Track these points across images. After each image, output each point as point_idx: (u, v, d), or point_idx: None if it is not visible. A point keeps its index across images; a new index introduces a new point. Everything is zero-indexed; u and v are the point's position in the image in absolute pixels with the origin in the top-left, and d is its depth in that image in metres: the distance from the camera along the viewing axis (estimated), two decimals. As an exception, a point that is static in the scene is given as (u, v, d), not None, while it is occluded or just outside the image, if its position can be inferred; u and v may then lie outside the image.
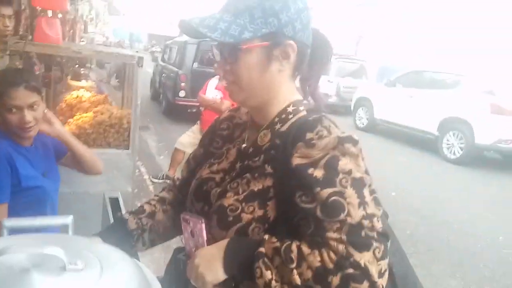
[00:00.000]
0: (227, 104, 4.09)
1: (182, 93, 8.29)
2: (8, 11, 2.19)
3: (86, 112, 2.42)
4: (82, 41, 5.02)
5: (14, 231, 0.79)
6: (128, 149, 2.26)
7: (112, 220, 1.27)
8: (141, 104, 2.29)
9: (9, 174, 1.37)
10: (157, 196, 1.14)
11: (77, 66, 3.49)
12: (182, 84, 8.27)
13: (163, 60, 10.40)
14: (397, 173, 6.40)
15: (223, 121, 1.08)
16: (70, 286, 0.57)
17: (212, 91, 4.36)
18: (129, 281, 0.64)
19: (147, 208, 1.08)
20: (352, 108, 10.57)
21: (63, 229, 0.86)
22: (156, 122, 8.24)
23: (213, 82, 4.45)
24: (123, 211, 1.35)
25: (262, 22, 0.83)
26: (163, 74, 9.60)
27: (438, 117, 7.77)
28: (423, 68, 9.90)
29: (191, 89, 8.19)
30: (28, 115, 1.40)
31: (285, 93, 0.92)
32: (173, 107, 8.73)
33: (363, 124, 10.07)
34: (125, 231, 1.02)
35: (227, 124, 1.06)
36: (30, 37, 2.13)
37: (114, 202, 1.35)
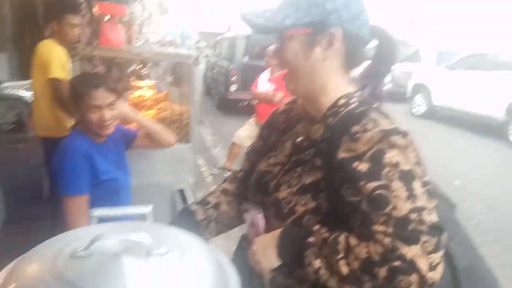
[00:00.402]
0: (279, 96, 4.12)
1: (233, 87, 8.43)
2: (76, 20, 2.35)
3: (149, 110, 2.58)
4: (138, 41, 5.28)
5: (100, 220, 0.88)
6: (189, 143, 2.37)
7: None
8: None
9: (88, 169, 1.51)
10: (220, 187, 1.19)
11: (139, 66, 3.69)
12: (233, 78, 8.41)
13: (214, 55, 10.62)
14: (459, 160, 6.09)
15: (281, 114, 1.11)
16: (155, 269, 0.63)
17: (264, 84, 4.40)
18: (208, 264, 0.69)
19: (212, 199, 1.14)
20: (408, 94, 10.15)
21: (139, 218, 0.94)
22: (210, 116, 8.45)
23: (265, 75, 4.49)
24: (190, 202, 1.43)
25: (305, 11, 0.86)
26: (215, 69, 9.80)
27: (505, 100, 7.24)
28: (485, 50, 9.25)
29: (242, 82, 8.31)
30: (107, 114, 1.53)
31: (336, 85, 0.93)
32: (225, 101, 8.91)
33: (420, 111, 9.64)
34: (193, 221, 1.07)
35: (284, 117, 1.09)
36: (96, 42, 2.28)
37: (181, 193, 1.44)
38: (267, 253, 0.87)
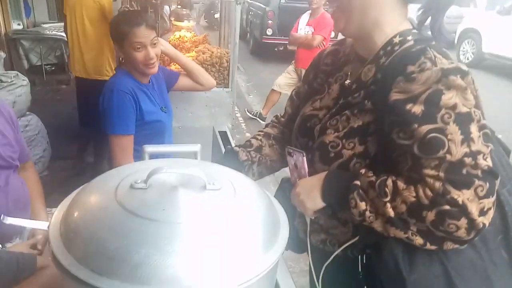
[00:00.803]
0: (319, 39, 3.97)
1: (269, 31, 8.18)
2: None
3: (188, 52, 2.56)
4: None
5: (152, 156, 0.91)
6: (228, 87, 2.37)
7: (223, 151, 1.37)
8: (229, 43, 2.35)
9: (134, 109, 1.54)
10: (262, 131, 1.19)
11: (179, 7, 3.61)
12: (270, 21, 8.13)
13: (250, -3, 10.25)
14: (506, 113, 5.79)
15: (328, 55, 1.06)
16: (211, 202, 0.65)
17: (304, 28, 4.23)
18: (259, 201, 0.71)
19: (254, 142, 1.14)
20: (455, 41, 9.53)
21: (187, 156, 0.96)
22: (244, 61, 8.32)
23: (304, 18, 4.29)
24: (232, 144, 1.45)
25: None
26: (250, 12, 9.49)
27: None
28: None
29: (278, 26, 8.04)
30: (151, 52, 1.53)
31: (391, 21, 0.87)
32: (260, 46, 8.69)
33: (468, 59, 9.06)
34: (236, 162, 1.09)
35: (331, 58, 1.05)
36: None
37: (223, 135, 1.45)
38: (312, 195, 0.88)
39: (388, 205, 0.78)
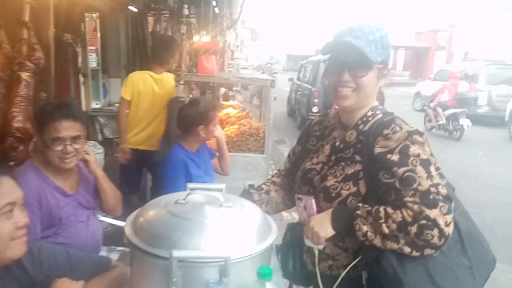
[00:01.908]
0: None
1: (315, 109, 8.75)
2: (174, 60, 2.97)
3: (232, 125, 3.06)
4: (230, 66, 5.91)
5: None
6: (263, 153, 2.78)
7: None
8: (278, 120, 2.81)
9: (184, 175, 1.97)
10: (269, 180, 1.57)
11: (226, 89, 4.25)
12: (315, 100, 8.75)
13: (298, 79, 11.09)
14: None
15: (315, 124, 1.46)
16: (225, 214, 1.02)
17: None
18: (257, 215, 1.06)
19: (264, 187, 1.52)
20: (506, 117, 9.50)
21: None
22: (292, 136, 8.82)
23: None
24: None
25: (381, 51, 1.20)
26: (298, 92, 10.25)
27: None
28: None
29: (323, 104, 8.60)
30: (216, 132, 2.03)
31: (371, 101, 1.27)
32: (307, 122, 9.24)
33: (519, 135, 8.95)
34: (251, 200, 1.40)
35: (318, 126, 1.44)
36: (194, 70, 2.84)
37: (251, 186, 1.81)
38: (324, 225, 1.18)
39: (384, 225, 1.09)
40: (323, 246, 1.21)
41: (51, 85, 3.33)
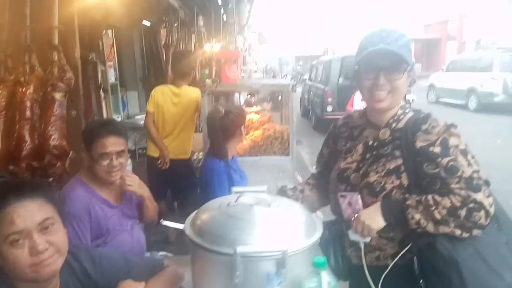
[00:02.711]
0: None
1: (329, 108, 8.82)
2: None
3: (256, 130, 3.16)
4: (243, 72, 6.03)
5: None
6: (288, 155, 2.88)
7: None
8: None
9: (227, 181, 2.12)
10: (303, 182, 1.68)
11: (249, 96, 4.37)
12: (329, 99, 8.81)
13: (310, 79, 11.17)
14: None
15: (341, 126, 1.55)
16: (273, 213, 1.11)
17: (359, 103, 4.73)
18: (303, 213, 1.15)
19: (298, 187, 1.63)
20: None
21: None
22: (308, 136, 8.91)
23: (359, 94, 4.79)
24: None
25: (409, 54, 1.31)
26: (311, 92, 10.32)
27: None
28: None
29: (337, 103, 8.66)
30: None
31: (401, 101, 1.37)
32: (322, 122, 9.30)
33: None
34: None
35: (344, 128, 1.53)
36: (218, 80, 2.96)
37: (284, 187, 1.91)
38: (375, 218, 1.27)
39: (435, 212, 1.19)
40: (369, 239, 1.30)
41: (80, 103, 3.50)
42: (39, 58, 2.82)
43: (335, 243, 1.46)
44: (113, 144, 1.79)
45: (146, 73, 7.71)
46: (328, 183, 1.51)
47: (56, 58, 2.83)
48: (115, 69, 6.82)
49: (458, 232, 1.19)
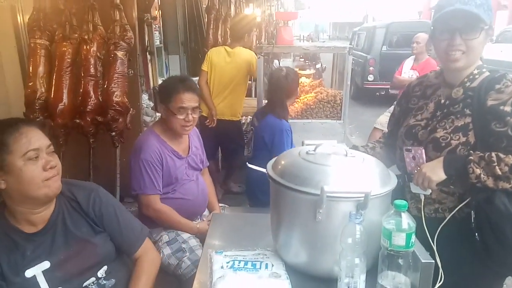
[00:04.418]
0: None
1: (370, 77, 8.65)
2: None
3: (307, 93, 3.22)
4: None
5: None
6: (340, 119, 2.93)
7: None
8: (329, 90, 2.92)
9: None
10: (376, 140, 1.75)
11: (302, 59, 4.38)
12: (371, 68, 8.63)
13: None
14: None
15: (415, 86, 1.60)
16: (352, 162, 1.20)
17: (408, 71, 4.62)
18: (378, 165, 1.23)
19: (370, 145, 1.70)
20: None
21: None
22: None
23: (409, 63, 4.67)
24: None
25: (488, 13, 1.32)
26: (352, 61, 10.11)
27: None
28: None
29: (379, 72, 8.48)
30: None
31: (477, 60, 1.39)
32: (361, 91, 9.17)
33: None
34: None
35: (418, 87, 1.58)
36: (274, 42, 3.01)
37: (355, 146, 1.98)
38: (436, 170, 1.33)
39: (497, 167, 1.24)
40: (430, 191, 1.37)
41: (137, 63, 3.64)
42: (101, 17, 2.96)
43: (396, 195, 1.53)
44: (190, 99, 1.93)
45: (187, 37, 7.77)
46: (396, 141, 1.58)
47: (118, 17, 2.95)
48: (159, 33, 6.93)
49: None
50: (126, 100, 2.95)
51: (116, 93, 2.90)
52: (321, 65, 8.25)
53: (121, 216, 1.45)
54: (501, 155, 1.24)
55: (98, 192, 1.43)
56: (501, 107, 1.28)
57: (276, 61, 5.68)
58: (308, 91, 3.27)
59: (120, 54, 2.95)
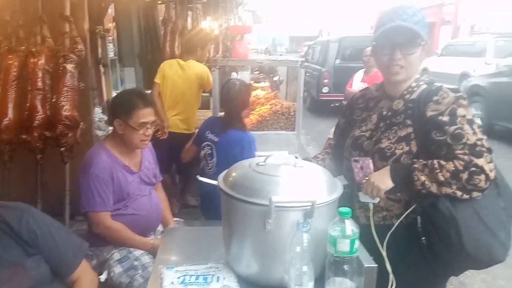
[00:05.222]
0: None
1: (325, 89, 8.92)
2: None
3: (263, 105, 3.27)
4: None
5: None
6: (294, 130, 3.00)
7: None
8: (286, 102, 2.99)
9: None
10: (323, 151, 1.80)
11: (256, 72, 4.44)
12: (325, 80, 8.91)
13: (306, 60, 11.21)
14: None
15: (358, 98, 1.68)
16: (298, 172, 1.23)
17: (358, 84, 4.82)
18: (325, 173, 1.27)
19: (320, 156, 1.75)
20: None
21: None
22: (302, 117, 8.96)
23: (359, 75, 4.89)
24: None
25: (424, 30, 1.41)
26: (307, 73, 10.36)
27: None
28: None
29: (333, 84, 8.76)
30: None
31: (416, 74, 1.49)
32: (317, 103, 9.43)
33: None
34: None
35: (361, 99, 1.66)
36: (229, 55, 3.04)
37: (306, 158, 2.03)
38: (384, 179, 1.39)
39: (439, 174, 1.31)
40: (378, 200, 1.43)
41: (89, 75, 3.55)
42: (51, 29, 2.87)
43: (345, 205, 1.58)
44: (150, 114, 1.93)
45: (143, 49, 7.67)
46: (343, 152, 1.63)
47: (68, 29, 2.87)
48: (114, 45, 6.80)
49: (459, 193, 1.31)
50: (76, 114, 2.86)
51: (65, 107, 2.80)
52: (279, 77, 8.41)
53: (57, 235, 1.37)
54: (442, 162, 1.32)
55: (30, 212, 1.34)
56: (440, 117, 1.36)
57: (234, 74, 5.74)
58: (263, 103, 3.34)
59: (69, 67, 2.86)
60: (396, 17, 1.39)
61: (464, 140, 1.32)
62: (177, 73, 3.47)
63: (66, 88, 2.82)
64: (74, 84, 2.89)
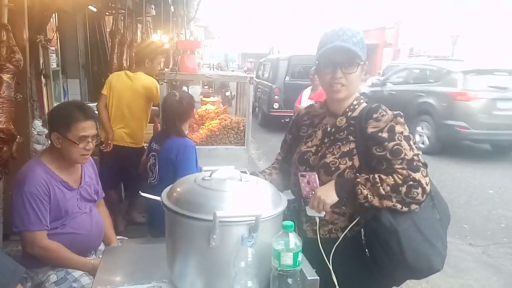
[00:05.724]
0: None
1: (276, 105, 9.09)
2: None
3: (212, 120, 3.25)
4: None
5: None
6: (244, 145, 3.00)
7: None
8: (239, 117, 3.02)
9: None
10: (271, 166, 1.81)
11: (206, 87, 4.42)
12: (276, 97, 9.08)
13: (257, 76, 11.38)
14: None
15: (304, 115, 1.72)
16: (243, 187, 1.23)
17: (306, 101, 4.97)
18: (269, 188, 1.28)
19: (267, 171, 1.77)
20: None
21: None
22: (254, 132, 8.97)
23: (306, 93, 5.06)
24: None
25: (363, 50, 1.48)
26: (258, 90, 10.53)
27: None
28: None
29: (284, 101, 8.95)
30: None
31: (356, 92, 1.55)
32: (268, 119, 9.57)
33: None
34: None
35: (306, 116, 1.71)
36: (177, 69, 3.01)
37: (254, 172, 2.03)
38: (329, 193, 1.43)
39: (380, 188, 1.37)
40: (324, 214, 1.46)
41: (27, 87, 3.35)
42: (-15, 37, 2.68)
43: (293, 219, 1.60)
44: (90, 127, 1.84)
45: (89, 61, 7.41)
46: (290, 167, 1.66)
47: (5, 38, 2.71)
48: (57, 55, 6.50)
49: (399, 206, 1.37)
50: (12, 127, 2.66)
51: (0, 119, 2.62)
52: (231, 92, 8.46)
53: None
54: (383, 176, 1.38)
55: None
56: (379, 134, 1.43)
57: (185, 88, 5.69)
58: (213, 118, 3.33)
59: (6, 77, 2.67)
60: (336, 38, 1.45)
61: (402, 156, 1.39)
62: (124, 84, 3.38)
63: (1, 99, 2.63)
64: (11, 95, 2.70)
